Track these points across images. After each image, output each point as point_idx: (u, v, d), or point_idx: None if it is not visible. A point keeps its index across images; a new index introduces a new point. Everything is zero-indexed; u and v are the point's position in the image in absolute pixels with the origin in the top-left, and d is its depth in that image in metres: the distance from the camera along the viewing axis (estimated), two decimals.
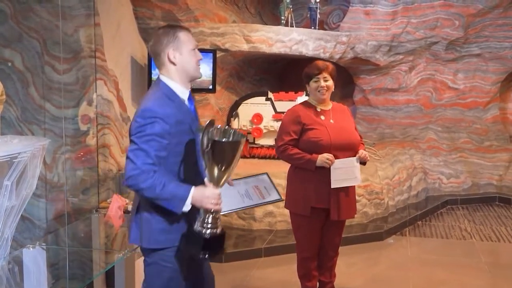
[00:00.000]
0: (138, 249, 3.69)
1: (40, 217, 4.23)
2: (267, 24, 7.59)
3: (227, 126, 2.80)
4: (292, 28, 6.97)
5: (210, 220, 2.64)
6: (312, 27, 7.30)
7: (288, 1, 7.17)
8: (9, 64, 4.13)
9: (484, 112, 8.49)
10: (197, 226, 2.65)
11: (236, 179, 3.12)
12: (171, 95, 2.74)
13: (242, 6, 7.71)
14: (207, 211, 2.63)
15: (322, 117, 3.84)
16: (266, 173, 3.35)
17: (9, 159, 2.94)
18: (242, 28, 6.45)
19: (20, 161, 3.00)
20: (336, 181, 3.74)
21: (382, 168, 6.96)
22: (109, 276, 3.80)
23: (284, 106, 6.91)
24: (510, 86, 8.81)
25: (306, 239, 3.92)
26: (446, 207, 7.64)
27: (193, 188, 2.63)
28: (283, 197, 3.27)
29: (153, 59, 2.84)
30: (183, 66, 2.77)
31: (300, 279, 4.04)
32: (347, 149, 3.79)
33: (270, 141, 6.94)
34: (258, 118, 6.83)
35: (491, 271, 5.20)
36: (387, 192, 6.79)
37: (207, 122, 2.59)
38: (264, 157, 6.91)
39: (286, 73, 8.98)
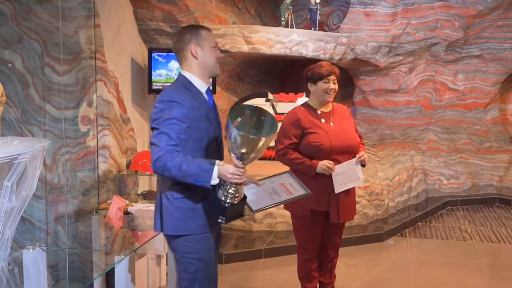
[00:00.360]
0: (138, 250, 3.70)
1: (40, 218, 4.23)
2: (267, 25, 7.59)
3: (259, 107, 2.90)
4: (292, 29, 6.98)
5: (232, 191, 2.78)
6: (312, 28, 7.30)
7: (288, 2, 7.18)
8: (9, 65, 4.14)
9: (484, 113, 8.49)
10: (219, 194, 2.79)
11: (260, 179, 3.17)
12: (188, 85, 2.92)
13: (242, 7, 7.71)
14: (231, 183, 2.75)
15: (323, 120, 3.82)
16: (289, 171, 3.38)
17: (9, 160, 2.94)
18: (242, 29, 6.45)
19: (20, 162, 3.00)
20: (339, 186, 3.74)
21: (382, 169, 6.96)
22: (109, 277, 3.80)
23: (284, 107, 6.91)
24: (510, 87, 8.82)
25: (306, 241, 3.92)
26: (446, 208, 7.64)
27: (217, 161, 2.74)
28: (310, 191, 3.29)
29: (176, 55, 3.01)
30: (203, 61, 2.94)
31: (300, 280, 4.04)
32: (347, 152, 3.79)
33: (271, 142, 6.94)
34: None
35: (491, 272, 5.20)
36: (387, 193, 6.79)
37: (234, 111, 2.74)
38: (264, 158, 6.90)
39: (286, 74, 8.98)
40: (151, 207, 4.31)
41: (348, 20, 7.79)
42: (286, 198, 3.24)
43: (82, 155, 4.37)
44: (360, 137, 3.96)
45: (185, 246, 2.90)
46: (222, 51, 6.18)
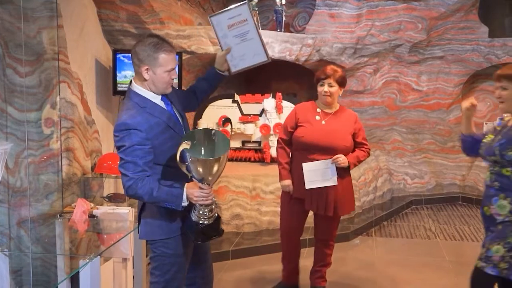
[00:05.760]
0: (104, 254, 3.65)
1: (2, 223, 4.14)
2: None
3: (213, 131, 2.97)
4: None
5: (204, 213, 2.89)
6: (278, 30, 7.32)
7: (254, 3, 7.18)
8: None
9: (447, 113, 8.64)
10: (193, 216, 2.90)
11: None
12: (141, 102, 2.92)
13: (208, 9, 7.69)
14: (201, 205, 2.87)
15: (317, 117, 4.16)
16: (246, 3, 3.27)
17: None
18: (208, 30, 6.43)
19: None
20: (310, 182, 4.05)
21: None
22: (74, 282, 3.74)
23: (250, 108, 6.91)
24: (472, 88, 8.99)
25: (286, 221, 4.38)
26: (410, 207, 7.76)
27: (186, 185, 2.87)
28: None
29: (131, 60, 3.00)
30: (153, 82, 2.94)
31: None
32: (327, 152, 4.05)
33: (237, 144, 6.94)
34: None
35: (455, 270, 5.29)
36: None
37: (185, 137, 2.84)
38: (231, 160, 6.90)
39: (252, 75, 8.98)
40: (116, 209, 4.27)
41: (313, 21, 7.83)
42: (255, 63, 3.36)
43: (45, 158, 4.29)
44: (363, 144, 4.22)
45: (164, 245, 3.02)
46: (187, 52, 6.16)
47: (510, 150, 3.14)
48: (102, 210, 4.27)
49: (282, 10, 7.37)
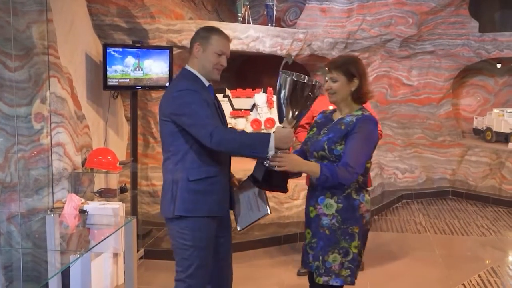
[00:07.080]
0: (95, 249, 3.64)
1: None
2: (224, 21, 7.57)
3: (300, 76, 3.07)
4: (249, 25, 6.97)
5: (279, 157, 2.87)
6: (269, 24, 7.31)
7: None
8: None
9: (437, 108, 8.68)
10: (266, 162, 2.89)
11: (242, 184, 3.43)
12: (194, 78, 3.10)
13: (199, 3, 7.67)
14: (284, 148, 2.88)
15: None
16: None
17: None
18: (199, 25, 6.40)
19: None
20: None
21: None
22: (65, 277, 3.73)
23: (242, 103, 6.91)
24: (462, 83, 9.04)
25: None
26: (401, 202, 7.79)
27: (273, 133, 2.87)
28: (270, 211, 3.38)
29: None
30: (202, 62, 3.10)
31: None
32: None
33: None
34: None
35: (445, 263, 5.32)
36: None
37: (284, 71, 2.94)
38: None
39: (243, 70, 8.99)
40: (107, 205, 4.26)
41: (304, 16, 7.83)
42: (256, 218, 3.33)
43: (35, 153, 4.27)
44: None
45: (186, 230, 3.06)
46: (178, 47, 6.13)
47: (339, 144, 2.98)
48: (93, 205, 4.26)
49: (273, 5, 7.36)
